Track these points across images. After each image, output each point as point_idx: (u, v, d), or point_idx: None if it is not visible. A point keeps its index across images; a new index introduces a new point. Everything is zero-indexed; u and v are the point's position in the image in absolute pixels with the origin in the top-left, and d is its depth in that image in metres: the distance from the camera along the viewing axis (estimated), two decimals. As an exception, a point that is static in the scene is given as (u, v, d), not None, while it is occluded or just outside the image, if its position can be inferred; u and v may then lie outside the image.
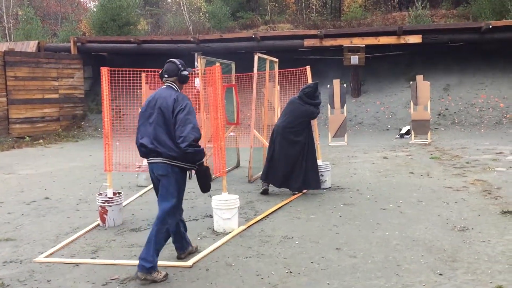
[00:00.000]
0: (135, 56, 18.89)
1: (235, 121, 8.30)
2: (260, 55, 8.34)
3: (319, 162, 7.78)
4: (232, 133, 10.30)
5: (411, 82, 13.73)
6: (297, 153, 7.15)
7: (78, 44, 18.04)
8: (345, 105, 13.58)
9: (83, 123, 18.05)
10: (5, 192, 8.02)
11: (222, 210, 5.41)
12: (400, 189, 7.47)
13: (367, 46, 16.59)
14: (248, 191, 7.56)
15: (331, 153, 11.63)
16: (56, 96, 17.31)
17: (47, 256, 4.78)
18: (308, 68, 8.02)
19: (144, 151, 4.26)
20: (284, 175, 7.14)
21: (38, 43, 18.14)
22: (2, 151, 13.61)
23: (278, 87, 13.13)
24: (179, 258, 4.67)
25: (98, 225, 5.83)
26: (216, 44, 17.26)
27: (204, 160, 4.26)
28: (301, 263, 4.51)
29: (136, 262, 4.28)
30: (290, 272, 4.31)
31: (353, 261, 4.55)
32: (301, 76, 8.70)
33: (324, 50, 17.71)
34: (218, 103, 5.45)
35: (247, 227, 5.61)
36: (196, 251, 4.83)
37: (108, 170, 5.95)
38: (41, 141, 15.53)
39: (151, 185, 8.05)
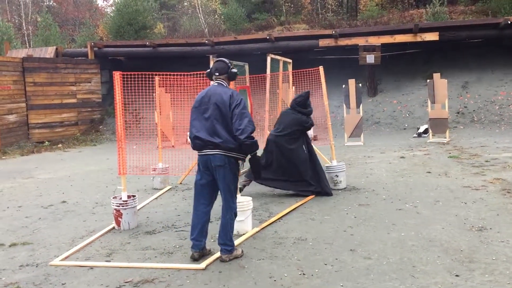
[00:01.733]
0: (151, 60, 19.02)
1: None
2: (273, 56, 8.32)
3: (334, 163, 7.73)
4: None
5: (428, 80, 13.56)
6: (298, 159, 7.13)
7: (95, 48, 18.23)
8: (361, 105, 13.48)
9: (100, 127, 18.24)
10: (23, 196, 8.14)
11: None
12: (416, 189, 7.37)
13: (383, 45, 16.43)
14: (262, 193, 7.54)
15: (347, 153, 11.55)
16: (74, 100, 17.53)
17: (62, 260, 4.82)
18: (321, 68, 7.96)
19: (200, 144, 4.55)
20: (289, 180, 7.15)
21: (56, 48, 18.38)
22: (22, 156, 13.82)
23: (293, 87, 13.14)
24: (192, 258, 4.69)
25: (113, 228, 5.87)
26: (230, 46, 17.28)
27: (257, 150, 4.56)
28: (315, 265, 4.47)
29: (150, 265, 4.54)
30: (303, 274, 4.28)
31: (367, 263, 4.49)
32: (314, 76, 8.65)
33: (339, 50, 17.60)
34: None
35: (261, 229, 5.59)
36: (209, 253, 4.84)
37: (122, 174, 5.99)
38: (60, 145, 15.73)
39: (166, 188, 8.15)
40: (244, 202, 5.45)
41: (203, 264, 4.50)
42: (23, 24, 29.10)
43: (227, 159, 4.52)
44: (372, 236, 5.25)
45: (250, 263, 4.58)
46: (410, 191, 7.29)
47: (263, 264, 4.55)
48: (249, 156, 4.65)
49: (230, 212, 4.65)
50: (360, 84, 13.82)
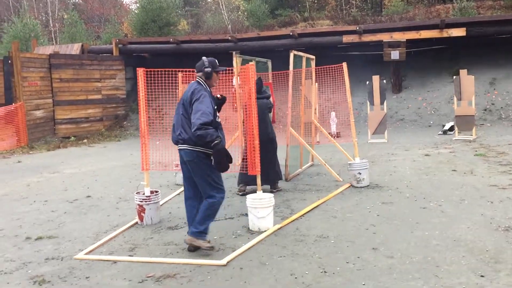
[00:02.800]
0: (175, 56, 19.12)
1: (272, 119, 8.25)
2: (296, 52, 8.28)
3: (357, 160, 7.66)
4: None
5: (454, 77, 13.32)
6: (273, 149, 7.33)
7: (120, 45, 18.44)
8: (385, 102, 13.32)
9: (125, 122, 18.45)
10: (49, 191, 8.29)
11: (257, 208, 5.40)
12: (441, 188, 7.25)
13: (408, 41, 16.19)
14: (285, 190, 7.52)
15: (370, 151, 11.43)
16: (99, 97, 17.76)
17: (86, 253, 4.90)
18: (344, 64, 7.88)
19: (174, 139, 4.86)
20: (265, 172, 7.00)
21: (82, 45, 18.65)
22: (48, 151, 14.09)
23: (316, 84, 13.05)
24: (189, 249, 4.85)
25: (136, 223, 5.93)
26: (253, 42, 17.27)
27: (217, 141, 4.54)
28: (336, 263, 4.44)
29: (172, 260, 4.62)
30: (325, 272, 4.25)
31: (390, 262, 4.44)
32: (338, 73, 8.57)
33: (363, 46, 17.41)
34: (252, 102, 5.44)
35: (282, 226, 5.57)
36: (211, 249, 4.82)
37: (145, 169, 6.04)
38: (85, 140, 15.98)
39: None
40: (265, 198, 5.45)
41: (224, 260, 4.51)
42: (50, 21, 29.59)
43: (195, 154, 4.70)
44: (395, 234, 5.19)
45: (271, 260, 4.57)
46: (435, 189, 7.18)
47: (285, 261, 4.54)
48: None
49: (208, 199, 4.76)
50: (385, 81, 13.65)
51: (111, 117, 18.21)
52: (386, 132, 13.25)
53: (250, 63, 5.52)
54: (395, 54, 15.97)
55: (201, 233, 4.78)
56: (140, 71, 6.08)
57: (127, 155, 12.44)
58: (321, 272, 4.25)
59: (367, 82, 13.60)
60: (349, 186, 7.54)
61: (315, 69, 9.67)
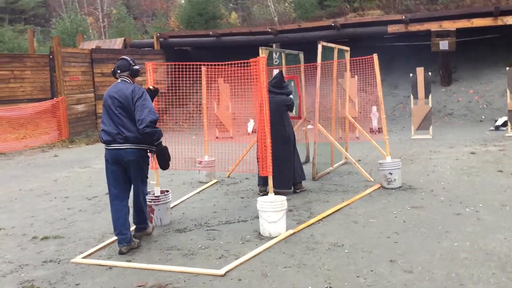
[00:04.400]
0: (216, 50, 18.94)
1: (298, 115, 7.82)
2: (325, 43, 7.77)
3: (388, 159, 7.10)
4: (310, 126, 9.83)
5: (507, 68, 12.31)
6: (288, 150, 6.82)
7: (161, 39, 18.42)
8: (430, 95, 12.51)
9: (164, 116, 18.42)
10: (74, 186, 8.24)
11: (268, 212, 5.01)
12: (482, 191, 6.59)
13: (459, 30, 15.17)
14: (309, 190, 7.07)
15: (412, 148, 10.74)
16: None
17: (85, 257, 4.69)
18: (375, 56, 7.31)
19: (109, 139, 4.77)
20: (278, 174, 6.56)
21: (124, 40, 18.79)
22: (87, 145, 14.24)
23: (356, 77, 12.45)
24: (120, 252, 4.75)
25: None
26: (294, 34, 16.76)
27: (161, 140, 4.81)
28: (345, 277, 3.99)
29: (169, 267, 4.34)
30: (330, 286, 3.82)
31: (407, 277, 3.95)
32: (368, 65, 7.99)
33: (410, 36, 16.52)
34: (263, 98, 5.04)
35: (296, 231, 5.16)
36: (138, 246, 4.88)
37: (154, 168, 5.78)
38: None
39: (212, 182, 7.89)
40: (277, 202, 5.05)
41: (222, 270, 4.16)
42: (100, 16, 30.20)
43: (138, 153, 4.80)
44: (419, 245, 4.66)
45: (275, 270, 4.18)
46: (475, 192, 6.53)
47: (289, 272, 4.13)
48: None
49: (142, 197, 5.03)
50: (430, 73, 12.81)
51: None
52: (431, 128, 12.45)
53: (262, 54, 5.10)
54: (443, 44, 15.03)
55: (148, 225, 5.19)
56: (149, 65, 5.82)
57: (175, 148, 12.29)
58: (326, 287, 3.82)
59: (411, 75, 12.82)
60: (379, 187, 7.00)
61: (350, 61, 9.12)
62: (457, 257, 4.33)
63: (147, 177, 5.06)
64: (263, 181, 6.82)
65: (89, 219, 6.13)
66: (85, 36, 24.59)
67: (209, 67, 8.17)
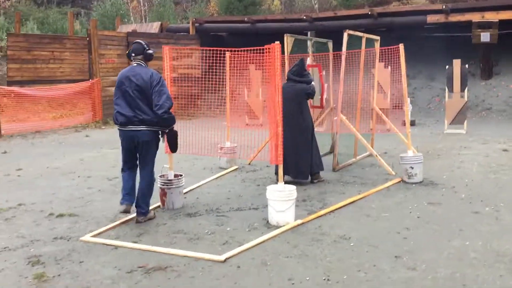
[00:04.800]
0: (251, 36, 18.84)
1: (320, 104, 7.70)
2: (351, 32, 7.59)
3: (409, 153, 6.92)
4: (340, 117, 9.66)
5: (550, 63, 11.75)
6: (306, 139, 6.71)
7: (196, 24, 18.49)
8: (466, 89, 12.08)
9: (199, 101, 18.56)
10: (98, 166, 8.42)
11: (276, 201, 4.98)
12: (507, 190, 6.34)
13: (502, 22, 14.53)
14: (327, 181, 6.97)
15: (442, 142, 10.43)
16: (174, 75, 17.97)
17: (94, 236, 4.79)
18: (401, 46, 7.10)
19: (124, 120, 4.99)
20: (295, 164, 6.64)
21: (161, 24, 18.96)
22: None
23: (389, 68, 12.15)
24: (124, 211, 5.15)
25: (159, 206, 5.76)
26: (329, 22, 16.48)
27: (174, 125, 5.16)
28: (346, 270, 3.93)
29: (172, 250, 4.39)
30: (328, 280, 3.77)
31: (409, 274, 3.85)
32: (394, 55, 7.76)
33: (450, 27, 15.95)
34: (276, 85, 4.98)
35: (304, 221, 5.10)
36: (154, 217, 5.30)
37: (168, 152, 5.83)
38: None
39: (232, 168, 7.90)
40: (285, 191, 5.01)
41: (223, 256, 4.17)
42: (141, 1, 30.56)
43: (152, 134, 5.06)
44: (428, 242, 4.54)
45: (276, 260, 4.16)
46: (498, 191, 6.29)
47: (289, 263, 4.10)
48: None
49: (147, 180, 5.17)
50: (467, 66, 12.35)
51: (186, 96, 18.38)
52: (465, 122, 12.04)
53: (276, 42, 5.03)
54: (485, 36, 14.44)
55: (148, 211, 5.25)
56: (166, 49, 5.87)
57: (191, 134, 12.41)
58: (324, 279, 3.77)
59: (447, 67, 12.41)
60: (399, 181, 6.84)
61: (383, 51, 8.87)
62: (466, 256, 4.18)
63: (154, 163, 5.27)
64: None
65: (106, 199, 6.26)
66: (125, 20, 24.98)
67: (237, 53, 8.14)
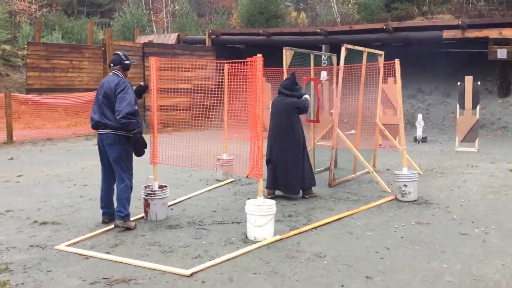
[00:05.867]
0: (266, 48, 18.90)
1: (315, 119, 7.61)
2: (350, 46, 7.51)
3: (404, 170, 6.77)
4: (353, 131, 9.56)
5: None
6: (296, 154, 6.62)
7: (213, 36, 18.64)
8: (477, 106, 11.81)
9: (212, 113, 18.64)
10: (97, 175, 8.32)
11: (254, 216, 4.91)
12: (503, 211, 6.13)
13: (521, 38, 14.21)
14: (319, 196, 6.87)
15: (449, 160, 10.18)
16: (188, 86, 18.12)
17: (69, 245, 4.80)
18: (397, 61, 6.98)
19: (94, 124, 5.34)
20: (285, 179, 6.60)
21: (178, 35, 19.17)
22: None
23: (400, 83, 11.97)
24: (103, 222, 5.49)
25: (142, 217, 5.75)
26: (344, 36, 16.37)
27: (138, 130, 5.24)
28: (312, 290, 3.83)
29: (139, 263, 4.36)
30: (291, 299, 3.68)
31: (376, 297, 3.73)
32: (390, 70, 7.65)
33: (467, 43, 15.68)
34: (258, 99, 4.94)
35: (283, 237, 5.01)
36: (134, 227, 5.31)
37: (153, 163, 5.83)
38: (169, 128, 16.39)
39: (228, 180, 7.87)
40: (264, 206, 4.94)
41: (190, 271, 4.11)
42: (164, 12, 31.04)
43: (116, 138, 5.24)
44: (406, 263, 4.40)
45: (243, 276, 4.08)
46: (493, 212, 6.08)
47: (256, 279, 4.02)
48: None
49: (121, 184, 5.29)
50: (479, 82, 12.08)
51: (199, 107, 18.49)
52: (477, 141, 11.76)
53: (291, 55, 5.00)
54: (502, 53, 14.14)
55: (128, 216, 5.29)
56: (153, 60, 5.91)
57: (193, 146, 12.43)
58: (287, 298, 3.69)
59: (458, 83, 12.17)
60: (393, 199, 6.69)
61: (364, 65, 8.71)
62: (440, 280, 4.03)
63: (127, 167, 5.38)
64: (271, 185, 6.73)
65: (94, 208, 6.28)
66: (146, 31, 25.38)
67: (233, 65, 8.13)
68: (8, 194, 7.06)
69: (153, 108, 5.99)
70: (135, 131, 5.23)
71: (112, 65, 5.43)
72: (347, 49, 7.36)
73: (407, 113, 15.93)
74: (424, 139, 13.20)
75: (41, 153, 11.04)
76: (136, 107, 5.27)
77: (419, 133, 13.23)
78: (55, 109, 16.57)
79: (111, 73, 5.44)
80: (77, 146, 12.20)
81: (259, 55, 4.98)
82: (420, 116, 13.23)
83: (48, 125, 15.92)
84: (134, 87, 5.52)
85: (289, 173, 6.54)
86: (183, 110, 17.98)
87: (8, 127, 12.42)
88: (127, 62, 5.46)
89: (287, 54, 7.92)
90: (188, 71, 17.95)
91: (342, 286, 3.92)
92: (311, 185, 6.79)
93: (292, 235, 5.12)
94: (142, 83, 5.84)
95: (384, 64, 8.35)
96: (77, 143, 12.87)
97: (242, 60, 5.65)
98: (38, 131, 14.08)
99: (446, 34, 15.14)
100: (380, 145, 11.15)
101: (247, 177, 8.31)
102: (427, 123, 14.80)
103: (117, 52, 5.57)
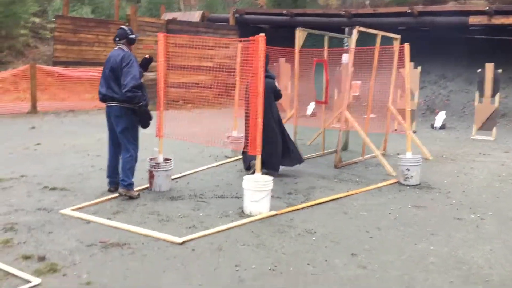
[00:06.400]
0: (290, 29, 18.82)
1: (323, 99, 7.67)
2: (363, 29, 7.50)
3: (408, 155, 6.81)
4: (372, 115, 9.56)
5: None
6: (277, 133, 6.81)
7: (237, 15, 18.66)
8: (497, 94, 11.62)
9: (233, 92, 18.77)
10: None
11: (250, 191, 5.07)
12: (504, 199, 6.13)
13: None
14: (323, 176, 6.98)
15: (463, 148, 10.11)
16: (211, 64, 18.25)
17: (74, 210, 5.05)
18: (406, 45, 6.95)
19: (102, 97, 5.56)
20: (267, 156, 6.54)
21: (203, 13, 19.25)
22: (151, 111, 14.90)
23: (420, 68, 11.86)
24: (109, 190, 5.72)
25: (147, 188, 5.97)
26: (368, 19, 16.19)
27: (143, 103, 5.45)
28: (296, 263, 3.98)
29: (134, 229, 4.58)
30: (273, 270, 3.84)
31: (357, 272, 3.86)
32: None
33: (494, 29, 15.32)
34: (259, 78, 5.05)
35: (278, 213, 5.16)
36: (137, 197, 5.54)
37: (159, 136, 6.03)
38: (190, 105, 16.61)
39: (236, 157, 8.01)
40: (260, 182, 5.09)
41: (182, 239, 4.31)
42: (191, -11, 31.05)
43: (123, 110, 5.44)
44: (393, 243, 4.50)
45: (232, 247, 4.26)
46: (494, 200, 6.10)
47: (244, 251, 4.19)
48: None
49: (126, 154, 5.52)
50: (500, 71, 11.84)
51: (220, 85, 18.63)
52: (494, 129, 11.60)
53: (261, 34, 5.09)
54: (529, 41, 13.78)
55: (131, 185, 5.51)
56: (161, 36, 6.05)
57: (209, 123, 12.62)
58: (269, 269, 3.84)
59: (478, 70, 11.97)
60: (395, 183, 6.75)
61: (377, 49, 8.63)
62: (424, 260, 4.13)
63: (133, 138, 5.60)
64: (249, 160, 6.83)
65: (103, 177, 6.49)
66: (173, 8, 25.51)
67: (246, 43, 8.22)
68: (25, 161, 7.38)
69: (160, 84, 6.12)
70: (141, 103, 5.42)
71: (117, 39, 5.59)
72: (359, 31, 7.34)
73: (427, 99, 15.76)
74: (443, 126, 13.08)
75: (62, 124, 11.41)
76: (142, 80, 5.43)
77: (438, 123, 13.10)
78: (80, 82, 16.94)
79: (116, 47, 5.60)
80: (97, 119, 12.53)
81: (262, 34, 5.07)
82: (442, 113, 13.21)
83: (72, 97, 16.32)
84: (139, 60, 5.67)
85: (269, 151, 6.60)
86: (204, 87, 18.14)
87: (33, 98, 12.83)
88: (132, 36, 5.65)
89: (300, 35, 7.95)
90: (211, 49, 18.05)
91: (326, 260, 4.05)
92: (294, 164, 6.91)
93: (287, 212, 5.27)
94: (147, 56, 6.00)
95: (400, 48, 8.29)
96: (98, 116, 13.17)
97: (247, 39, 5.73)
98: (61, 102, 14.49)
99: (472, 20, 14.82)
100: (396, 130, 11.15)
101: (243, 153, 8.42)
102: (447, 110, 14.62)
103: (122, 26, 5.78)
